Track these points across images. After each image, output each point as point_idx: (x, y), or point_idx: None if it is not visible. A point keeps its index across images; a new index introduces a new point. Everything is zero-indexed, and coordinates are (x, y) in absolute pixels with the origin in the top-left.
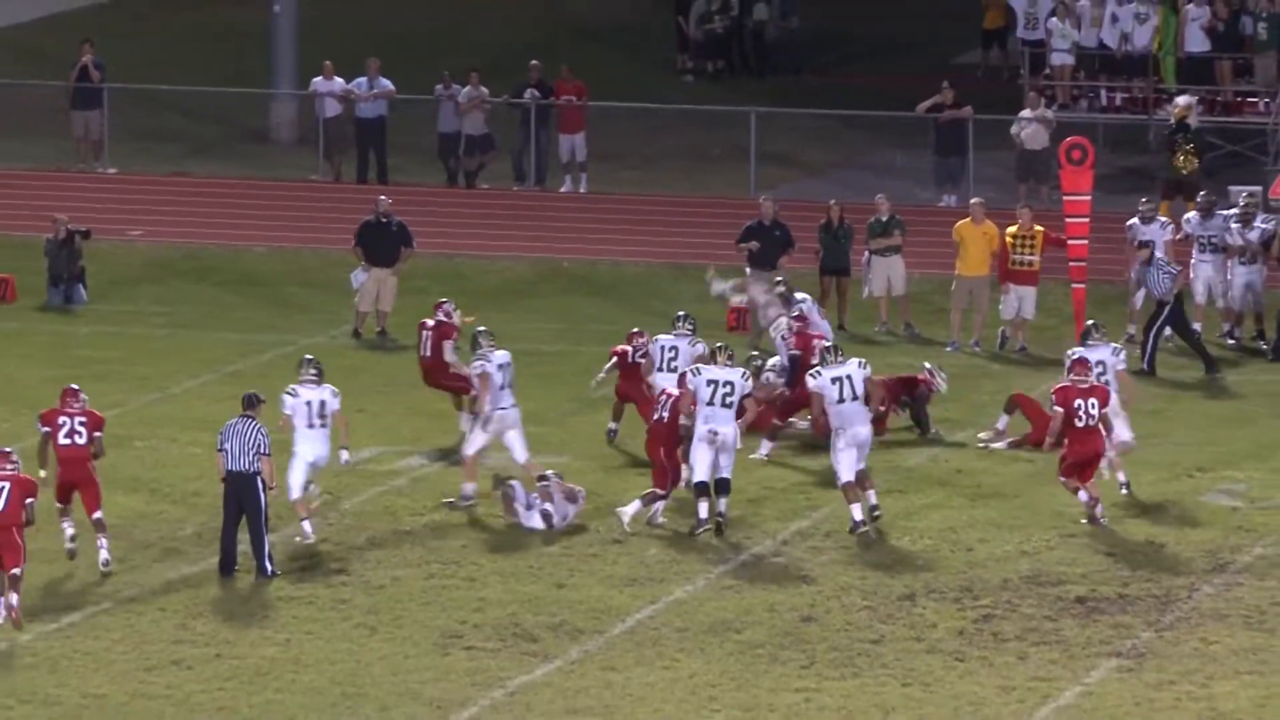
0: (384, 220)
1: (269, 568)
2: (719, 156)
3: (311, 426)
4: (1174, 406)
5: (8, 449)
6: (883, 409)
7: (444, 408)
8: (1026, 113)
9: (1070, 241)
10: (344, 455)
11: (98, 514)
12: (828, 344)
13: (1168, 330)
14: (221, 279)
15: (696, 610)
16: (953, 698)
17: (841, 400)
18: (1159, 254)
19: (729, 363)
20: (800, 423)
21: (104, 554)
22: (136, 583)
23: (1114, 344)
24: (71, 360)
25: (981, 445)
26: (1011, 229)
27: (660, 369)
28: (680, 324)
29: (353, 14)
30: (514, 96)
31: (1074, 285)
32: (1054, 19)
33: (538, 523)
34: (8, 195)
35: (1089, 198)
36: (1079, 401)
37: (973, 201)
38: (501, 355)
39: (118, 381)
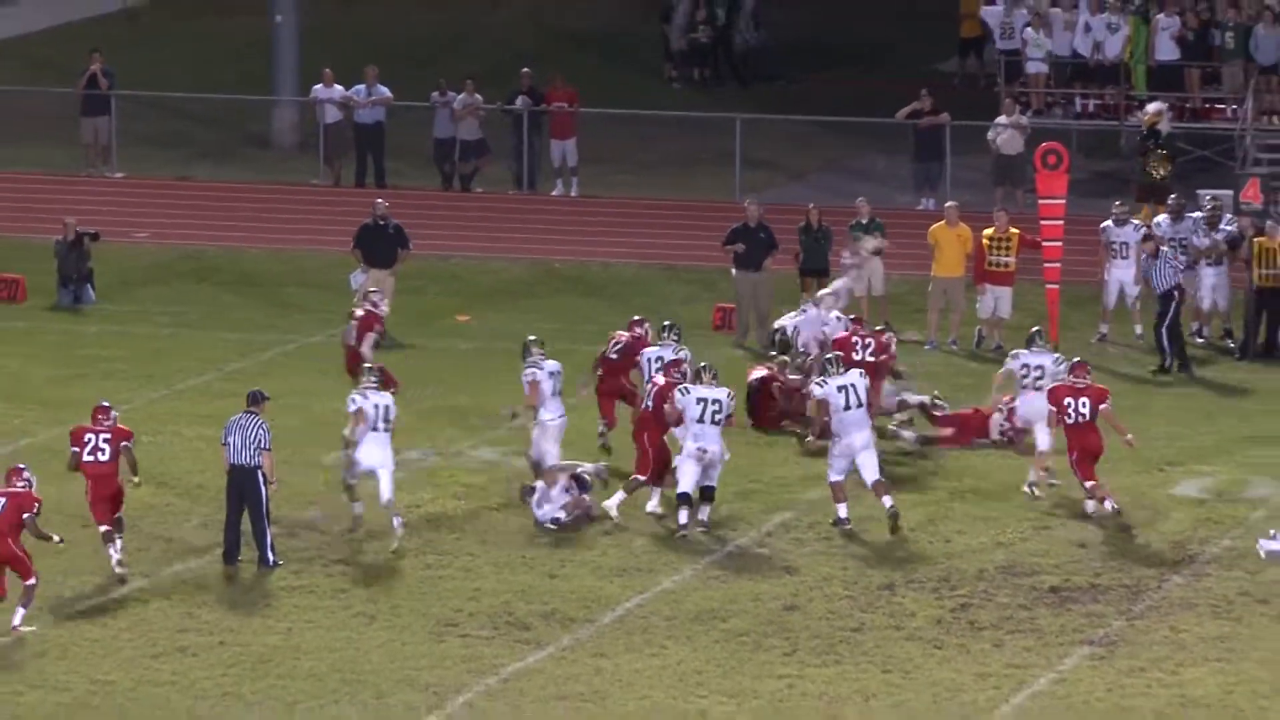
0: (382, 223)
1: (270, 558)
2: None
3: (376, 430)
4: (1147, 403)
5: (21, 465)
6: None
7: (439, 404)
8: (1002, 119)
9: (1045, 243)
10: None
11: (118, 514)
12: (829, 355)
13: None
14: (224, 280)
15: (684, 600)
16: (931, 684)
17: (848, 408)
18: (1163, 248)
19: (714, 382)
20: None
21: (115, 554)
22: (143, 573)
23: (1056, 353)
24: (79, 359)
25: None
26: (988, 231)
27: (648, 381)
28: (666, 334)
29: (352, 23)
30: (507, 103)
31: (1048, 286)
32: (1029, 29)
33: (548, 524)
34: (19, 198)
35: (1063, 201)
36: (1069, 400)
37: (947, 205)
38: (552, 364)
39: (124, 379)
